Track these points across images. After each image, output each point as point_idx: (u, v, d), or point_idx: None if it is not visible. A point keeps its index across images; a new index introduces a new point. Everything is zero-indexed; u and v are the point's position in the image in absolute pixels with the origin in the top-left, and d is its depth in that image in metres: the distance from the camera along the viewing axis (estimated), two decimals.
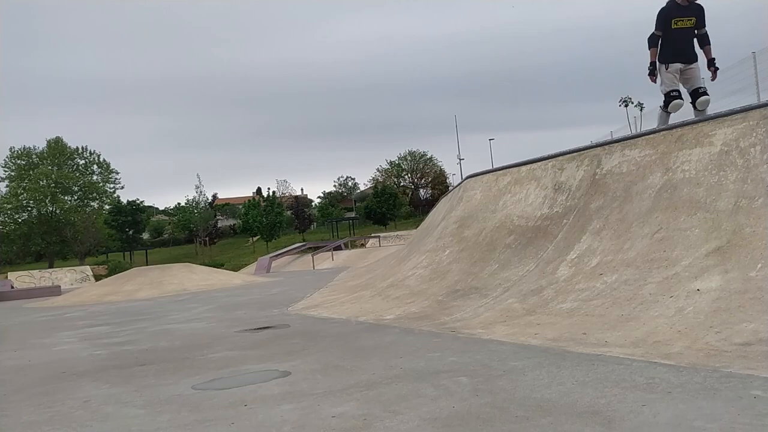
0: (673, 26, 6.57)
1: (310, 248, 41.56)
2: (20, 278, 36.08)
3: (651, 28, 6.71)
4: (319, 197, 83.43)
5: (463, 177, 10.87)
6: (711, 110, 6.30)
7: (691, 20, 6.52)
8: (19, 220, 57.00)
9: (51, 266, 49.28)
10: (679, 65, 6.65)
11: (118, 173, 62.23)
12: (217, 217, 73.57)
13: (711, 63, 6.74)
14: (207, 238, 64.53)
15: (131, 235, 64.50)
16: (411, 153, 77.47)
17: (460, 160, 60.18)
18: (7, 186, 57.18)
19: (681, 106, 6.66)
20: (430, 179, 76.90)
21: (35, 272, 39.06)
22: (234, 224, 72.77)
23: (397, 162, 77.60)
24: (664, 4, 6.68)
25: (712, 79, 6.90)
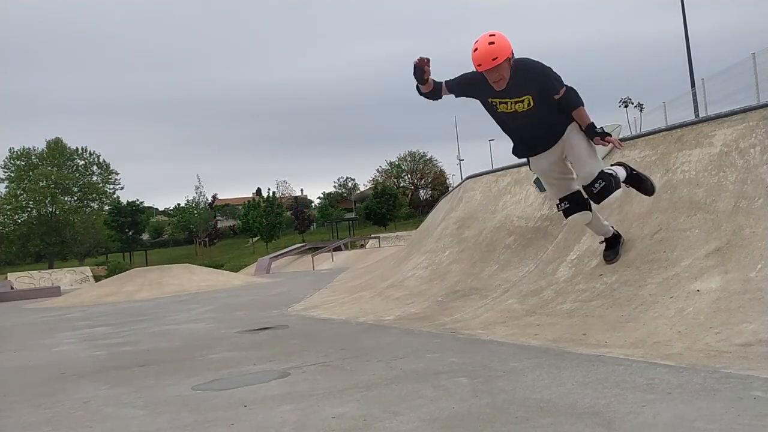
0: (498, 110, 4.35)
1: (309, 249, 41.52)
2: (20, 279, 36.09)
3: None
4: (318, 198, 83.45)
5: (463, 178, 10.87)
6: (712, 111, 6.11)
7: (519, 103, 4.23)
8: (19, 221, 56.96)
9: (51, 267, 49.23)
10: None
11: (117, 174, 62.19)
12: (217, 218, 73.55)
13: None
14: (207, 239, 64.53)
15: (131, 236, 64.47)
16: (411, 153, 77.46)
17: (459, 160, 60.22)
18: (6, 187, 57.14)
19: (588, 218, 4.56)
20: (429, 180, 76.90)
21: (35, 273, 39.07)
22: (234, 225, 72.70)
23: (396, 163, 77.58)
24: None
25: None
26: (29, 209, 57.49)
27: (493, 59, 3.98)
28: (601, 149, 4.66)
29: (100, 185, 61.45)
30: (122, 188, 63.13)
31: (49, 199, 56.85)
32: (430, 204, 50.58)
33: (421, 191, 77.18)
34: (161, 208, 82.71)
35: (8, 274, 39.67)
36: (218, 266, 38.32)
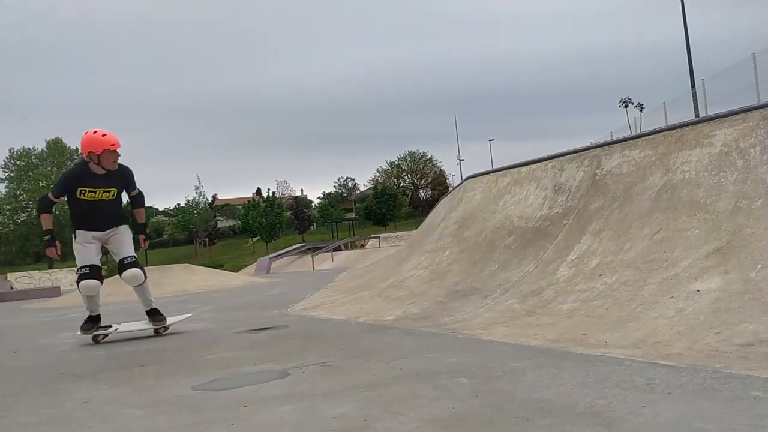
0: (78, 196, 5.70)
1: (309, 249, 41.53)
2: (20, 279, 36.11)
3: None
4: (318, 198, 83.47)
5: (463, 178, 10.87)
6: (712, 111, 6.16)
7: (107, 193, 5.77)
8: (19, 221, 56.97)
9: (50, 267, 49.20)
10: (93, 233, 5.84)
11: None
12: (217, 218, 73.47)
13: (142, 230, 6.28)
14: (207, 239, 64.50)
15: None
16: (411, 154, 77.48)
17: (459, 160, 60.14)
18: (6, 187, 57.15)
19: (97, 288, 5.87)
20: (429, 180, 76.93)
21: (35, 273, 39.12)
22: (234, 225, 72.64)
23: (396, 163, 77.60)
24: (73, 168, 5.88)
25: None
26: (29, 209, 57.50)
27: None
28: None
29: None
30: None
31: None
32: (430, 204, 50.51)
33: (421, 191, 77.23)
34: (161, 208, 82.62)
35: (8, 274, 39.65)
36: (218, 266, 38.29)
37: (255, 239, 63.81)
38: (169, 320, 6.52)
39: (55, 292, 24.44)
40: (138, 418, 3.00)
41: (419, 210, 66.68)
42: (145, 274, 6.07)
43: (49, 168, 58.42)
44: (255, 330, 6.36)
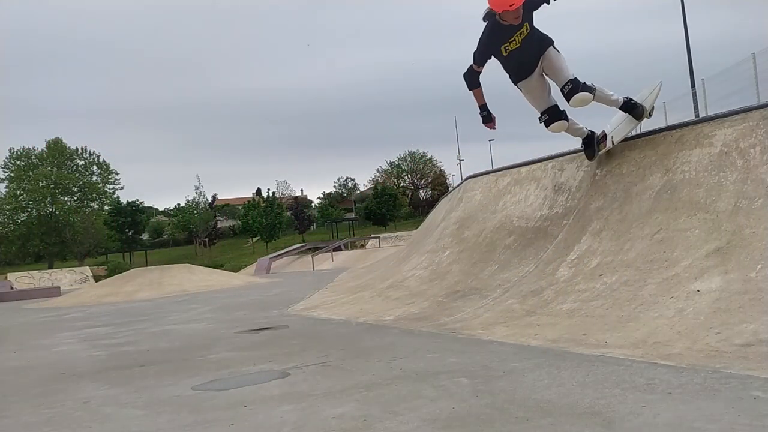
0: (504, 53, 5.38)
1: (309, 249, 41.43)
2: (20, 279, 36.10)
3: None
4: (318, 198, 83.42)
5: (463, 178, 10.87)
6: (712, 111, 6.04)
7: (521, 33, 5.25)
8: (19, 221, 56.94)
9: (50, 267, 49.16)
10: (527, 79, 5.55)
11: (117, 174, 62.16)
12: (217, 218, 73.45)
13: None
14: (207, 239, 64.49)
15: (131, 236, 64.27)
16: (411, 154, 77.40)
17: (459, 160, 60.04)
18: (6, 187, 57.09)
19: (564, 126, 5.64)
20: (429, 180, 76.91)
21: (35, 273, 39.09)
22: (234, 225, 72.63)
23: (396, 163, 77.56)
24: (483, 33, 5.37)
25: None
26: (29, 209, 57.48)
27: None
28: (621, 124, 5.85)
29: (100, 185, 61.38)
30: (122, 188, 63.05)
31: (48, 199, 56.86)
32: (430, 204, 50.50)
33: (421, 191, 77.22)
34: (161, 208, 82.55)
35: (8, 274, 39.62)
36: (218, 266, 38.24)
37: (255, 239, 63.79)
38: (643, 101, 5.85)
39: (55, 292, 24.42)
40: (138, 418, 3.00)
41: (419, 210, 66.66)
42: (589, 89, 5.38)
43: (49, 168, 58.34)
44: (255, 330, 6.36)
